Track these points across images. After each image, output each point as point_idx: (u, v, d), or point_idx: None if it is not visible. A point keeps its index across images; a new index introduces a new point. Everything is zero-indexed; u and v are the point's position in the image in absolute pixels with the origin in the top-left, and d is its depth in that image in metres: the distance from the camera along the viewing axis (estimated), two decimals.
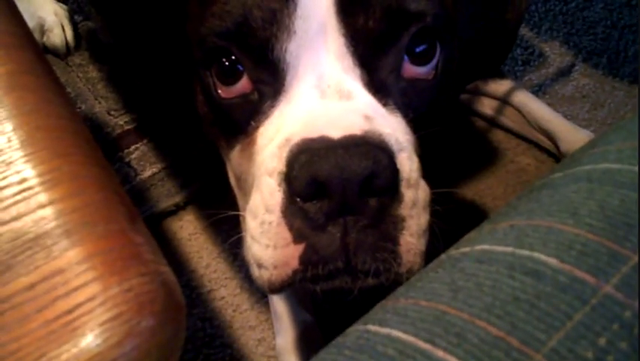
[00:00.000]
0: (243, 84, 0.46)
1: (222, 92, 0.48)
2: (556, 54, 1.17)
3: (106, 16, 0.68)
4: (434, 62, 0.47)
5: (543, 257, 0.23)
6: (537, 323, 0.21)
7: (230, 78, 0.47)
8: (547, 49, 1.18)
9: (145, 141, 1.04)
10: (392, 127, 0.43)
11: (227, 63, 0.46)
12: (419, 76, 0.47)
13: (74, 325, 0.24)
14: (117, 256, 0.27)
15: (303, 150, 0.40)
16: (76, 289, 0.25)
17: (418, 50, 0.46)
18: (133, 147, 1.04)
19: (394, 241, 0.41)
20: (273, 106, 0.45)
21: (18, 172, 0.28)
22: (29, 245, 0.26)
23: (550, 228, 0.24)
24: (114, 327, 0.25)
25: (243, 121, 0.47)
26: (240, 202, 0.52)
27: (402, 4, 0.43)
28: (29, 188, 0.28)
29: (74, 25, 1.17)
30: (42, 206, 0.27)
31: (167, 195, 0.99)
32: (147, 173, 1.01)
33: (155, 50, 0.59)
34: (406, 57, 0.46)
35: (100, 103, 1.09)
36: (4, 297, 0.25)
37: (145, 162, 1.02)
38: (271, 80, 0.45)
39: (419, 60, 0.46)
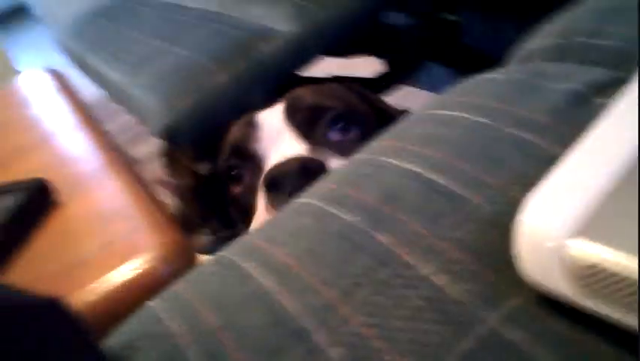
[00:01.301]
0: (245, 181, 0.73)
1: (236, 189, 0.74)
2: None
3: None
4: (352, 132, 0.71)
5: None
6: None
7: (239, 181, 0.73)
8: None
9: None
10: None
11: (234, 172, 0.73)
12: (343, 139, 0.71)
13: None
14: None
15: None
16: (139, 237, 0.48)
17: (336, 128, 0.70)
18: None
19: None
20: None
21: None
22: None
23: None
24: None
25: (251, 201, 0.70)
26: None
27: (319, 103, 0.71)
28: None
29: None
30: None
31: None
32: None
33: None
34: (332, 132, 0.70)
35: None
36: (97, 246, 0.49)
37: None
38: (255, 168, 0.70)
39: (341, 133, 0.71)
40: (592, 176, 0.26)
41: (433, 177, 0.34)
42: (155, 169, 1.57)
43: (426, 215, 0.32)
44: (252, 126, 0.72)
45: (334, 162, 0.63)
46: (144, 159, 1.53)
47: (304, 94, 0.74)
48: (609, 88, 0.38)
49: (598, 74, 0.41)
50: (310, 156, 0.63)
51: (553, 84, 0.39)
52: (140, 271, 0.45)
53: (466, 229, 0.30)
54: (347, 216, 0.34)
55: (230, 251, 0.37)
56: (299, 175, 0.58)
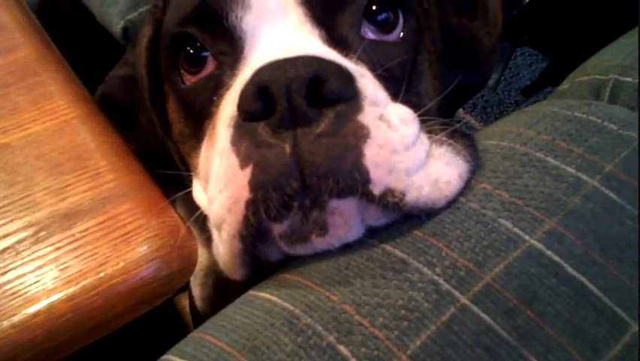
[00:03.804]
0: (208, 66, 0.47)
1: (189, 79, 0.48)
2: None
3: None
4: (398, 30, 0.47)
5: None
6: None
7: (197, 65, 0.47)
8: None
9: None
10: (351, 65, 0.40)
11: (191, 50, 0.47)
12: (383, 39, 0.46)
13: (130, 242, 0.40)
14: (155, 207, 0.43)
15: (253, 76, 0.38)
16: (130, 223, 0.41)
17: (379, 17, 0.46)
18: None
19: (356, 151, 0.35)
20: (233, 75, 0.43)
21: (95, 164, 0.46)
22: (101, 202, 0.43)
23: None
24: (154, 242, 0.40)
25: (208, 101, 0.45)
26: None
27: None
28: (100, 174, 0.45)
29: None
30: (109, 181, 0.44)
31: None
32: None
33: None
34: (369, 25, 0.46)
35: None
36: (83, 229, 0.42)
37: None
38: (230, 50, 0.44)
39: (383, 29, 0.46)
40: None
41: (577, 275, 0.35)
42: None
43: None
44: None
45: (367, 81, 0.39)
46: None
47: None
48: None
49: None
50: (330, 59, 0.38)
51: (618, 130, 0.40)
52: None
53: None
54: None
55: None
56: (304, 95, 0.35)
